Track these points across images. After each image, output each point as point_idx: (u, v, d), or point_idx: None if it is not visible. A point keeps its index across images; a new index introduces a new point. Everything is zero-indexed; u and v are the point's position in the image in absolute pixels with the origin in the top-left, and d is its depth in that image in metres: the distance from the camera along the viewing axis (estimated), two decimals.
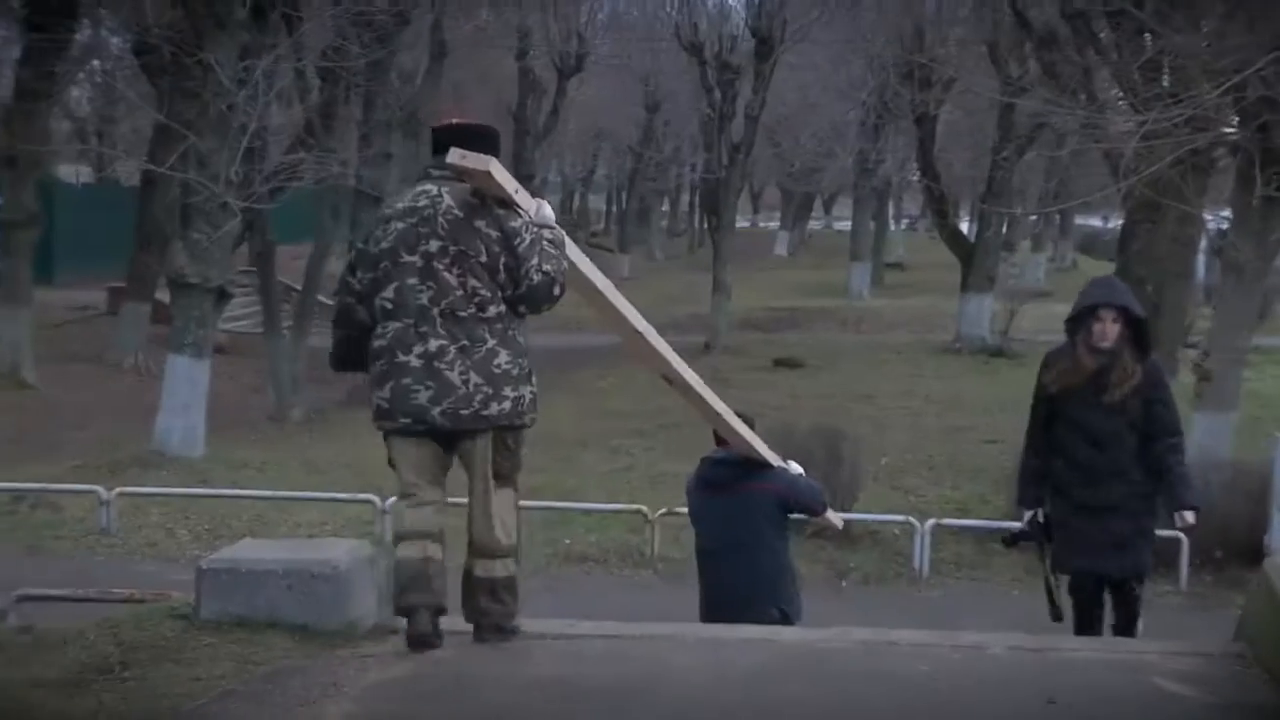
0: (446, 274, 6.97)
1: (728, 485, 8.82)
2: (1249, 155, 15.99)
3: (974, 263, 33.60)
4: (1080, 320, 8.81)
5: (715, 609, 8.81)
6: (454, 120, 7.46)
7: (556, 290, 7.13)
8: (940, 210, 35.32)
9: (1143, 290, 21.32)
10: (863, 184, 46.79)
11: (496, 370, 7.02)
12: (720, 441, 8.97)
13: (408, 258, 7.02)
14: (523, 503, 7.72)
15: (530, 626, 7.83)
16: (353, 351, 7.43)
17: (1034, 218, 50.48)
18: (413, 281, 7.00)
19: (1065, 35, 21.20)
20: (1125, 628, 8.97)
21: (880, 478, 19.28)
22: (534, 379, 7.26)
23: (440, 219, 6.99)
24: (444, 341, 6.97)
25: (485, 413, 7.04)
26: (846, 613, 13.00)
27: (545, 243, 7.11)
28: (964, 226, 43.32)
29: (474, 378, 6.98)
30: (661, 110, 51.70)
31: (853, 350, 33.50)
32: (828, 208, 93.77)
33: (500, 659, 7.15)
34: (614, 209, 75.99)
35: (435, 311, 6.97)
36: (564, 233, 7.37)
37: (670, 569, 15.50)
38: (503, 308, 7.04)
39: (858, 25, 36.24)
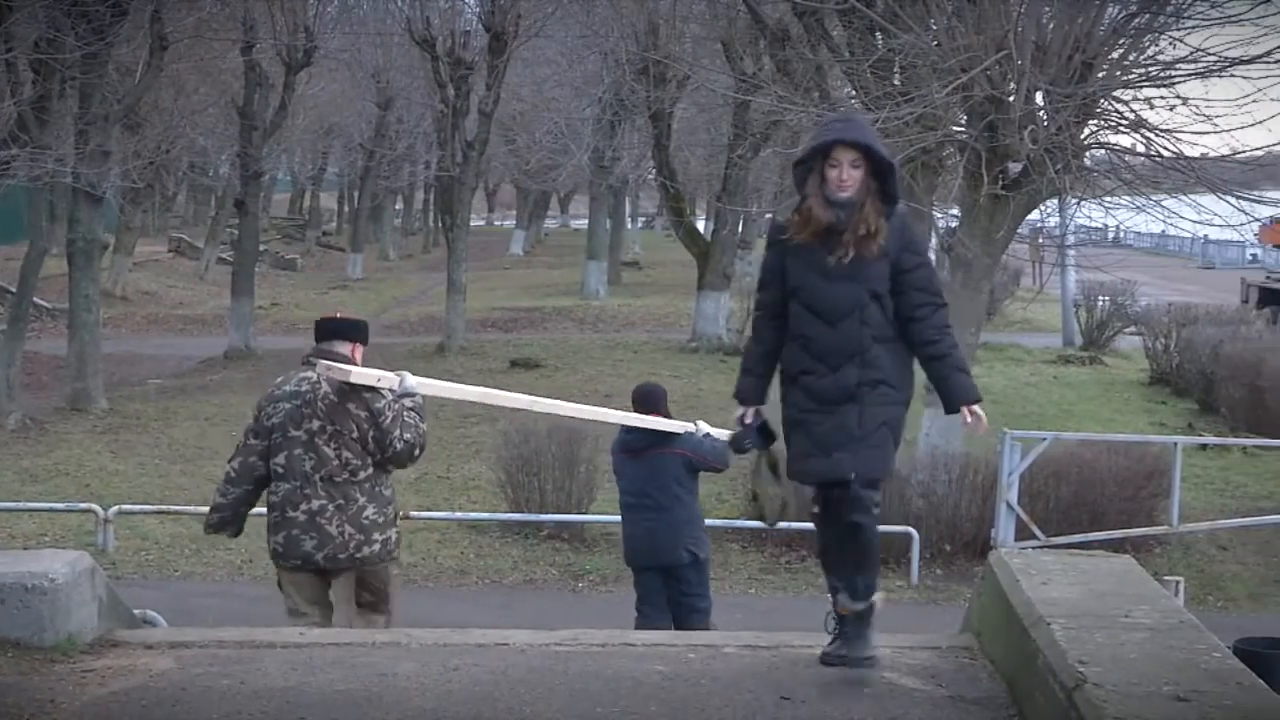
0: (325, 448, 8.76)
1: (641, 449, 10.75)
2: (976, 154, 16.46)
3: (710, 261, 34.00)
4: (812, 165, 7.06)
5: (634, 553, 10.99)
6: (335, 314, 9.29)
7: (417, 452, 8.97)
8: (676, 208, 35.66)
9: None
10: (599, 181, 47.04)
11: (366, 521, 8.83)
12: (639, 412, 10.87)
13: (294, 433, 8.80)
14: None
15: (259, 636, 7.75)
16: (239, 511, 9.20)
17: (769, 215, 51.17)
18: (299, 452, 8.79)
19: (798, 33, 21.60)
20: (855, 560, 7.12)
21: None
22: (397, 520, 9.07)
23: (320, 403, 8.78)
24: (324, 501, 8.78)
25: (359, 555, 8.89)
26: (583, 615, 13.10)
27: (407, 413, 8.90)
28: (700, 224, 43.82)
29: (348, 529, 8.80)
30: (394, 106, 51.35)
31: (590, 350, 33.68)
32: (564, 206, 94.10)
33: (226, 670, 7.06)
34: (346, 207, 75.26)
35: (317, 477, 8.76)
36: (423, 398, 9.11)
37: (404, 575, 15.43)
38: (371, 470, 8.84)
39: (592, 21, 36.43)
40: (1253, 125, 16.81)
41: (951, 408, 7.05)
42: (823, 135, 7.09)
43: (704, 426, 10.81)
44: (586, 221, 52.70)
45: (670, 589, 10.83)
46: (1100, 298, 35.48)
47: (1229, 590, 16.31)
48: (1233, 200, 17.58)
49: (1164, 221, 18.86)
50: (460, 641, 7.72)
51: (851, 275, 6.91)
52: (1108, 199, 18.84)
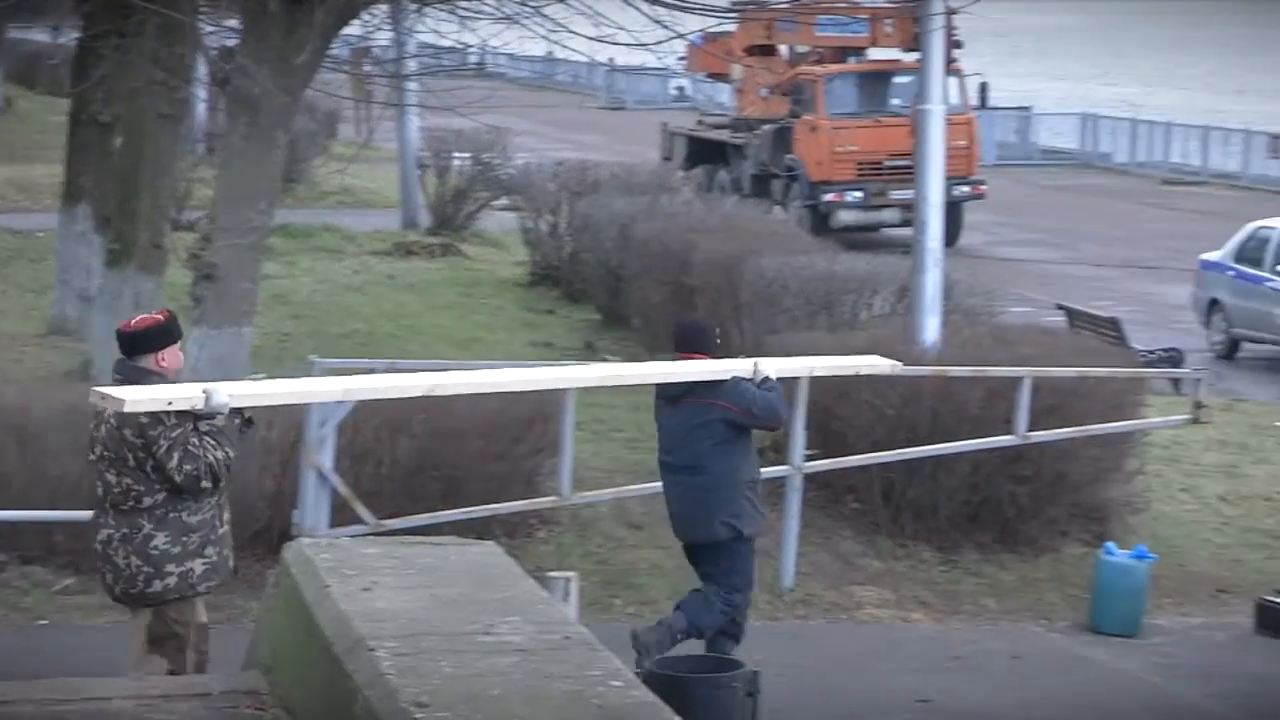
0: (109, 474, 11.30)
1: (678, 396, 13.09)
2: None
3: None
4: None
5: (674, 523, 13.82)
6: (130, 323, 11.34)
7: (206, 483, 11.49)
8: None
9: (109, 140, 21.74)
10: None
11: (154, 552, 11.31)
12: (681, 353, 13.44)
13: (90, 457, 11.49)
14: None
15: None
16: None
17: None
18: (93, 478, 11.42)
19: None
20: None
21: None
22: (209, 549, 11.51)
23: (103, 427, 11.20)
24: (111, 530, 11.34)
25: (150, 590, 11.57)
26: None
27: (193, 440, 11.42)
28: None
29: (134, 561, 11.35)
30: None
31: None
32: None
33: None
34: None
35: (107, 503, 11.33)
36: (246, 414, 11.86)
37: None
38: (160, 496, 11.30)
39: None
40: None
41: None
42: None
43: (765, 368, 12.95)
44: None
45: (698, 572, 13.33)
46: (456, 156, 36.06)
47: (644, 589, 16.97)
48: (647, 6, 18.16)
49: (549, 39, 19.33)
50: None
51: None
52: (464, 5, 19.22)
